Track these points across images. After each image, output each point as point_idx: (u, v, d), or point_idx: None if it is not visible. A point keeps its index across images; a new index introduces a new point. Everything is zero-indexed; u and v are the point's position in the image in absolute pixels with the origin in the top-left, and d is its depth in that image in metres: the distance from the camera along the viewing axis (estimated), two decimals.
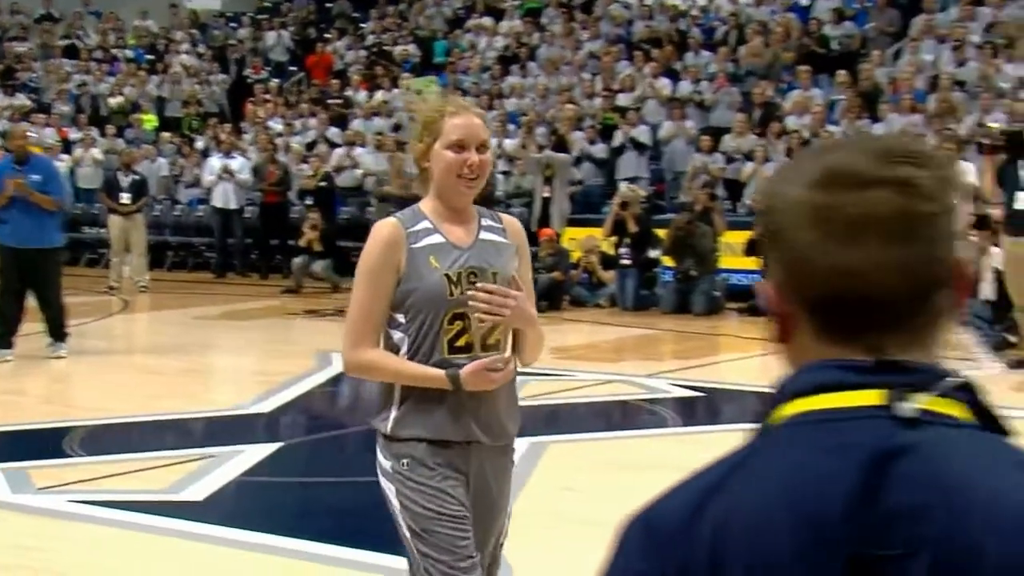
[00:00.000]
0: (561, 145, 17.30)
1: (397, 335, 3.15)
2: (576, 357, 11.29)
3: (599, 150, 17.90)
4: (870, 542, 1.12)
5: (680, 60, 19.55)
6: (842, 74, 17.40)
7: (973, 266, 11.17)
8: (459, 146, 3.12)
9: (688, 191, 16.21)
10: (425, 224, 3.17)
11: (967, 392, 1.20)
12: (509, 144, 18.24)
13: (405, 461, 3.11)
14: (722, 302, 14.58)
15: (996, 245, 10.75)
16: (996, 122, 15.06)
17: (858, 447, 1.15)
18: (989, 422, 1.20)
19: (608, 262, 15.21)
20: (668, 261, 14.93)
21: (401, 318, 3.14)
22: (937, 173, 1.20)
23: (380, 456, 3.18)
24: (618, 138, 17.77)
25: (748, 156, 16.63)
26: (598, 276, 15.30)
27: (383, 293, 3.12)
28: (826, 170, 1.21)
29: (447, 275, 3.12)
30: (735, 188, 16.76)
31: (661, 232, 14.91)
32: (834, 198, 1.19)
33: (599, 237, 15.31)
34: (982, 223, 11.05)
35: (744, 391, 9.57)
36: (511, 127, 18.80)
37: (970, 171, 12.27)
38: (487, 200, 13.73)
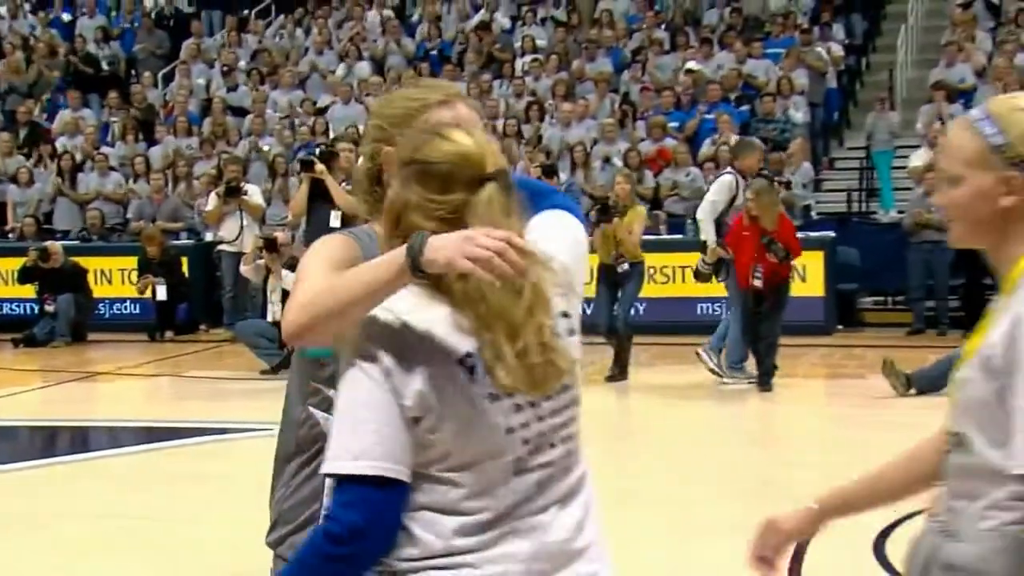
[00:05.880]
0: None
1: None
2: None
3: None
4: None
5: None
6: (113, 96, 17.62)
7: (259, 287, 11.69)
8: None
9: None
10: None
11: None
12: None
13: None
14: None
15: (285, 268, 11.01)
16: (267, 146, 16.03)
17: None
18: None
19: None
20: None
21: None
22: None
23: None
24: None
25: (13, 178, 16.29)
26: None
27: None
28: None
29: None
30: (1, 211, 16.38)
31: None
32: None
33: None
34: (271, 245, 11.38)
35: (22, 426, 9.61)
36: None
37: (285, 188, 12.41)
38: None
